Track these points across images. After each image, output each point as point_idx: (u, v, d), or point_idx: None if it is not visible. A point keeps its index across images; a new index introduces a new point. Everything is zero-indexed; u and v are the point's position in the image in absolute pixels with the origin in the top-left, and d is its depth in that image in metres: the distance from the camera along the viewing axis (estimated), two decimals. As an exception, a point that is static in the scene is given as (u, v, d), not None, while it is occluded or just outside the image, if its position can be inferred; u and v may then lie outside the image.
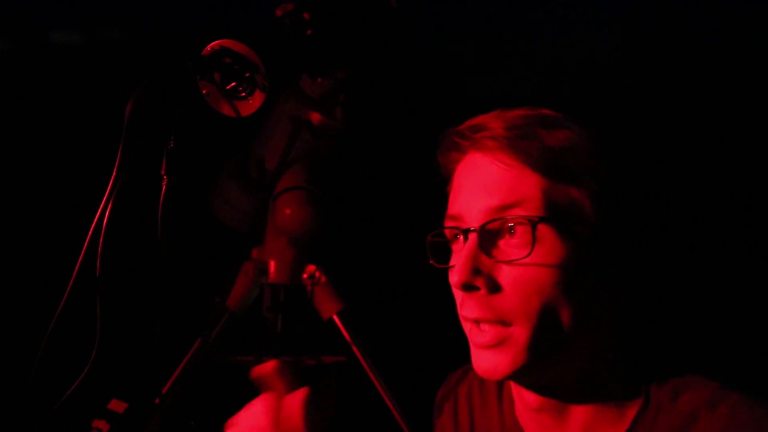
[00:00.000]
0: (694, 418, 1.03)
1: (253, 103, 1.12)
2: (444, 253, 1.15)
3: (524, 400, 1.13)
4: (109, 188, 1.03)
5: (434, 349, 1.82)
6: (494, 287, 1.05)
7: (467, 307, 1.07)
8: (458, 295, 1.10)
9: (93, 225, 1.02)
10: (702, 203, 1.80)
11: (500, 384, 1.24)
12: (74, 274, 1.03)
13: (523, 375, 1.07)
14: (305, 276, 1.61)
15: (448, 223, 1.13)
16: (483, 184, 1.07)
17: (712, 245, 1.79)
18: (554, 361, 1.06)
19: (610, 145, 1.09)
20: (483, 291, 1.05)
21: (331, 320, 1.60)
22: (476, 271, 1.05)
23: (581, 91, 1.92)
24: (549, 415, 1.11)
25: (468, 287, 1.05)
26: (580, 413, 1.09)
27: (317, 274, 1.61)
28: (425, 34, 1.88)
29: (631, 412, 1.08)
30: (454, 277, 1.06)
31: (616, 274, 1.07)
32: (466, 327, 1.10)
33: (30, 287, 1.82)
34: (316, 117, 1.53)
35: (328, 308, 1.60)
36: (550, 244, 1.03)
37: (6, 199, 1.89)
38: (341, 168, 1.68)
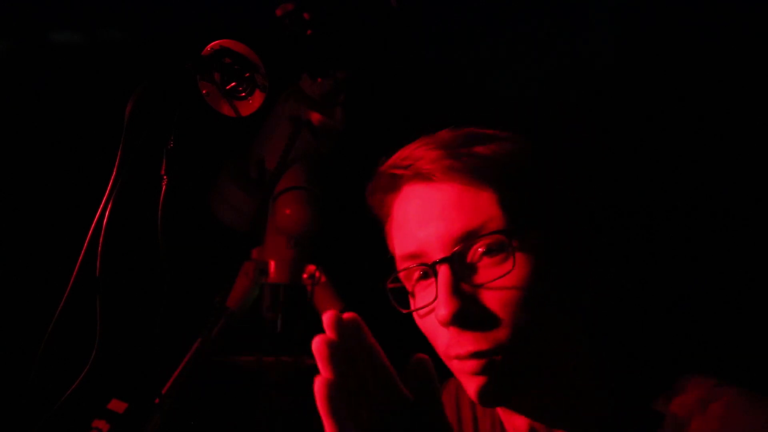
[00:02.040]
0: (687, 420, 0.99)
1: (253, 103, 1.12)
2: (404, 299, 1.08)
3: (513, 425, 1.08)
4: (109, 188, 1.03)
5: (434, 348, 1.81)
6: (485, 314, 0.99)
7: (457, 344, 0.99)
8: (441, 334, 1.02)
9: (93, 225, 1.02)
10: (700, 203, 1.80)
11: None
12: (74, 274, 1.03)
13: (513, 399, 1.02)
14: (305, 276, 1.62)
15: (405, 264, 1.05)
16: (437, 211, 1.02)
17: (693, 245, 1.79)
18: (545, 377, 1.02)
19: (545, 147, 1.07)
20: (475, 320, 0.98)
21: (331, 320, 1.60)
22: (463, 300, 0.98)
23: (580, 92, 1.92)
24: None
25: (458, 319, 0.98)
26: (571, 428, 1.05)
27: (317, 274, 1.61)
28: (425, 35, 1.88)
29: (626, 424, 1.04)
30: (441, 312, 0.98)
31: (589, 279, 1.04)
32: (452, 363, 1.03)
33: (30, 287, 1.82)
34: (316, 117, 1.53)
35: (328, 308, 1.60)
36: (526, 257, 0.99)
37: (6, 199, 1.89)
38: (341, 168, 1.68)
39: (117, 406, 1.31)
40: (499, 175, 1.00)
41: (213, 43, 1.11)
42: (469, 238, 0.99)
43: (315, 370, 0.85)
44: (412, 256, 1.04)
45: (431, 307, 1.02)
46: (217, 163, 1.69)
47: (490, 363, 0.98)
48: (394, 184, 1.08)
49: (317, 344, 0.86)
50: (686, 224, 1.79)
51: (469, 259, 1.00)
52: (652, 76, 1.86)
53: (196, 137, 1.12)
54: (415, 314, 1.07)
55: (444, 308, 0.98)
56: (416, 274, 1.05)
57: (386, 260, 1.13)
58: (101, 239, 1.02)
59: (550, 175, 1.05)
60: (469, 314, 0.98)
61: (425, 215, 1.03)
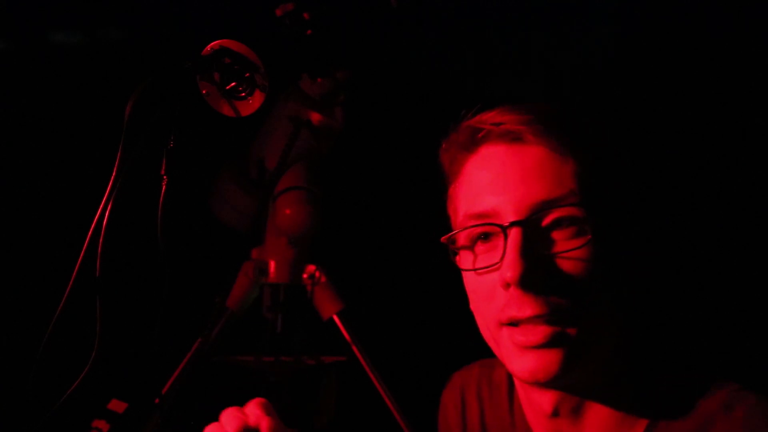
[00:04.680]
0: (711, 422, 1.00)
1: (253, 103, 1.12)
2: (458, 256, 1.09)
3: (538, 406, 1.09)
4: (109, 188, 1.03)
5: (434, 349, 1.82)
6: (549, 281, 0.99)
7: (517, 306, 0.99)
8: (498, 295, 1.02)
9: (93, 225, 1.02)
10: (701, 200, 1.80)
11: (511, 385, 1.20)
12: (74, 274, 1.03)
13: (564, 378, 1.01)
14: (305, 276, 1.62)
15: (474, 222, 1.04)
16: (518, 175, 1.01)
17: (719, 244, 1.79)
18: (585, 360, 1.02)
19: (622, 133, 1.08)
20: (539, 286, 0.98)
21: (331, 320, 1.60)
22: (532, 264, 0.98)
23: (580, 92, 1.92)
24: (564, 421, 1.07)
25: (526, 281, 0.98)
26: (594, 419, 1.06)
27: (317, 274, 1.61)
28: (424, 35, 1.88)
29: (646, 416, 1.05)
30: (508, 273, 0.98)
31: (633, 265, 1.05)
32: (501, 330, 1.03)
33: (30, 287, 1.82)
34: (316, 117, 1.53)
35: (328, 308, 1.60)
36: (598, 234, 0.99)
37: (6, 199, 1.89)
38: (341, 168, 1.68)
39: (117, 406, 1.31)
40: (584, 148, 1.01)
41: (213, 43, 1.11)
42: (547, 207, 1.00)
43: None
44: (482, 215, 1.03)
45: (496, 267, 1.02)
46: (217, 163, 1.69)
47: (551, 332, 0.99)
48: (473, 142, 1.07)
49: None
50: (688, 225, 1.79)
51: (540, 226, 1.00)
52: (652, 75, 1.86)
53: (196, 137, 1.12)
54: (471, 274, 1.06)
55: (513, 269, 0.98)
56: (477, 234, 1.05)
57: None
58: (101, 239, 1.02)
59: (625, 159, 1.06)
60: (536, 278, 0.98)
61: (505, 177, 1.02)
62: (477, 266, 1.05)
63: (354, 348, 1.58)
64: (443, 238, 1.08)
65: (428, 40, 1.91)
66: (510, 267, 0.98)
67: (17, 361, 1.24)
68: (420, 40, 1.84)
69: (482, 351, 1.12)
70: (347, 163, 1.70)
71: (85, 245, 1.02)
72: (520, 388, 1.14)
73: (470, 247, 1.07)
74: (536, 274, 0.98)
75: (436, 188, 1.16)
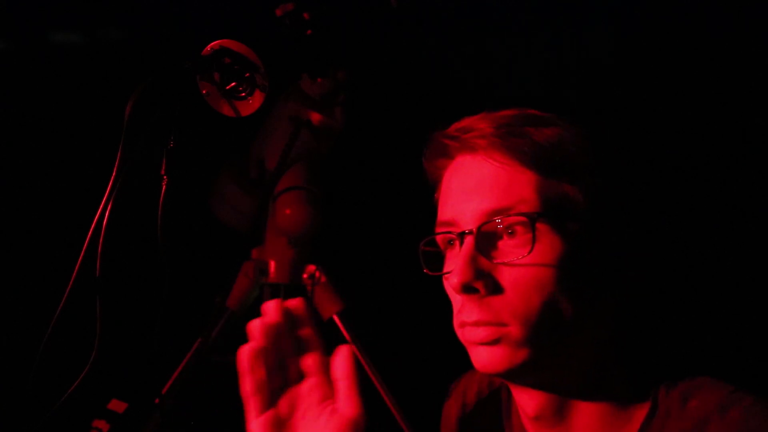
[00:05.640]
0: (705, 423, 1.00)
1: (253, 103, 1.13)
2: (436, 261, 1.14)
3: (523, 408, 1.11)
4: (109, 188, 1.03)
5: (434, 349, 1.82)
6: (494, 289, 1.04)
7: (466, 311, 1.06)
8: (456, 300, 1.09)
9: (93, 225, 1.02)
10: (700, 201, 1.80)
11: (509, 394, 1.20)
12: (74, 274, 1.03)
13: (521, 373, 1.05)
14: (305, 276, 1.61)
15: (440, 229, 1.12)
16: (475, 185, 1.07)
17: (711, 242, 1.79)
18: (551, 360, 1.04)
19: (598, 139, 1.09)
20: (482, 292, 1.04)
21: (331, 320, 1.60)
22: (476, 272, 1.04)
23: (578, 91, 1.92)
24: (548, 422, 1.08)
25: (468, 288, 1.04)
26: (582, 421, 1.06)
27: (317, 274, 1.61)
28: (424, 35, 1.88)
29: (638, 418, 1.05)
30: (454, 280, 1.04)
31: (613, 271, 1.06)
32: (463, 331, 1.09)
33: (30, 287, 1.82)
34: (316, 117, 1.53)
35: (328, 308, 1.60)
36: (548, 242, 1.03)
37: (6, 199, 1.89)
38: (341, 168, 1.68)
39: (117, 406, 1.31)
40: (542, 160, 1.04)
41: (213, 43, 1.11)
42: (496, 215, 1.04)
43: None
44: (447, 224, 1.10)
45: (452, 272, 1.07)
46: (217, 163, 1.69)
47: (492, 333, 1.03)
48: (447, 151, 1.12)
49: (253, 323, 0.97)
50: (683, 224, 1.79)
51: (493, 235, 1.05)
52: (652, 75, 1.86)
53: (196, 137, 1.12)
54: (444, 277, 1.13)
55: (457, 276, 1.04)
56: (446, 240, 1.11)
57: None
58: (101, 239, 1.02)
59: (591, 169, 1.07)
60: (480, 285, 1.04)
61: (467, 186, 1.08)
62: (445, 270, 1.12)
63: (354, 348, 1.57)
64: (420, 245, 1.14)
65: (428, 40, 1.91)
66: (455, 274, 1.04)
67: (17, 361, 1.24)
68: (420, 40, 1.84)
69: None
70: (347, 163, 1.70)
71: (85, 245, 1.02)
72: (511, 392, 1.15)
73: (443, 251, 1.13)
74: (480, 281, 1.04)
75: (431, 191, 1.18)
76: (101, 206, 1.03)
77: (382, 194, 1.95)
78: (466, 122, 1.11)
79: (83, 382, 1.05)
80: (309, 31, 1.28)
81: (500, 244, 1.05)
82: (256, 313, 1.63)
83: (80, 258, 1.03)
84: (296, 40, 1.28)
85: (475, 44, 1.97)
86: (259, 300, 1.63)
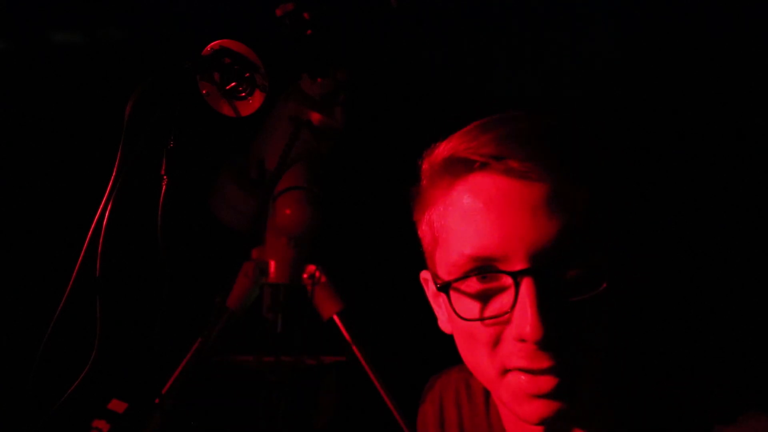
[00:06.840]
0: None
1: (253, 103, 1.12)
2: (466, 300, 0.96)
3: (523, 426, 1.02)
4: (109, 188, 1.03)
5: (434, 349, 1.81)
6: (567, 332, 0.89)
7: (531, 358, 0.89)
8: (506, 345, 0.92)
9: (93, 225, 1.02)
10: (700, 203, 1.80)
11: (487, 393, 1.14)
12: (74, 274, 1.03)
13: (563, 421, 0.94)
14: (305, 276, 1.62)
15: (471, 265, 0.92)
16: (528, 214, 0.88)
17: (711, 242, 1.79)
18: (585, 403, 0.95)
19: (603, 140, 1.00)
20: (554, 341, 0.88)
21: (331, 320, 1.60)
22: (555, 319, 0.87)
23: (578, 91, 1.92)
24: None
25: (546, 340, 0.87)
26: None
27: (317, 274, 1.61)
28: (424, 35, 1.88)
29: None
30: (528, 330, 0.87)
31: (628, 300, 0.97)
32: (505, 376, 0.93)
33: (30, 287, 1.82)
34: (316, 117, 1.53)
35: (328, 308, 1.60)
36: (611, 273, 0.90)
37: (6, 199, 1.89)
38: (341, 168, 1.68)
39: (117, 406, 1.31)
40: (592, 174, 0.92)
41: (213, 43, 1.11)
42: (561, 254, 0.88)
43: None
44: (485, 258, 0.91)
45: (506, 318, 0.91)
46: (217, 163, 1.69)
47: (563, 383, 0.90)
48: (464, 171, 0.94)
49: None
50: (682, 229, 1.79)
51: (555, 272, 0.89)
52: (653, 75, 1.86)
53: (196, 137, 1.12)
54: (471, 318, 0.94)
55: (532, 327, 0.87)
56: (477, 276, 0.93)
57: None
58: (101, 239, 1.02)
59: (599, 170, 0.95)
60: (556, 334, 0.88)
61: (511, 216, 0.89)
62: (483, 315, 0.92)
63: (354, 348, 1.58)
64: (452, 284, 0.95)
65: (428, 40, 1.91)
66: (528, 323, 0.87)
67: (17, 361, 1.24)
68: (420, 40, 1.84)
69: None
70: (347, 163, 1.70)
71: (85, 245, 1.02)
72: (502, 404, 1.07)
73: (469, 287, 0.94)
74: (553, 329, 0.87)
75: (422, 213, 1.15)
76: (101, 206, 1.02)
77: (383, 194, 1.95)
78: (485, 142, 0.92)
79: (83, 382, 1.05)
80: (309, 31, 1.28)
81: (564, 282, 0.89)
82: (256, 313, 1.64)
83: (80, 258, 1.03)
84: (296, 40, 1.28)
85: (475, 44, 1.97)
86: (259, 300, 1.63)
